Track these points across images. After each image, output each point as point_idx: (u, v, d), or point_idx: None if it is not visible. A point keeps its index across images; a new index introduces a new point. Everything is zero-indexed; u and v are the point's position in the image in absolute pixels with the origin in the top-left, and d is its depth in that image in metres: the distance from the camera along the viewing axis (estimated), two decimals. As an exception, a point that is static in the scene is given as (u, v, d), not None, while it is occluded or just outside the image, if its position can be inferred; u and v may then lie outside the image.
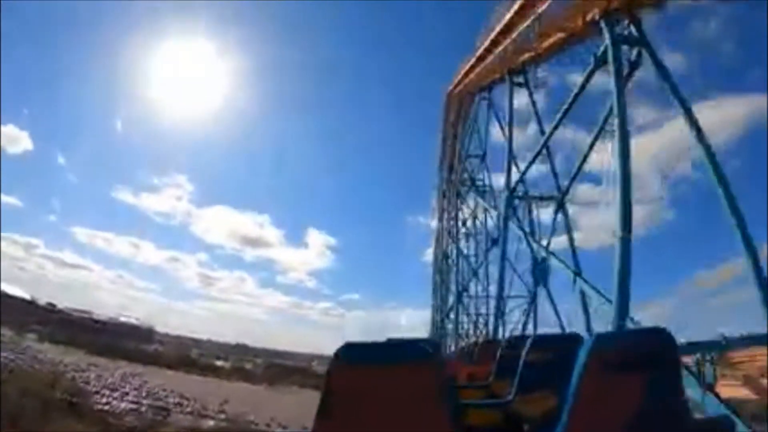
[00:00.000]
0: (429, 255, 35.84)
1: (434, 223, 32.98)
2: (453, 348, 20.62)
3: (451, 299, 22.13)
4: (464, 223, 22.12)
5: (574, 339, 2.03)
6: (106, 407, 14.57)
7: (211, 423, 13.59)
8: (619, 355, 1.26)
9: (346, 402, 1.18)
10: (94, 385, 18.67)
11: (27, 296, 42.07)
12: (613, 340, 1.44)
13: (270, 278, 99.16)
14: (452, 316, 21.93)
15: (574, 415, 1.22)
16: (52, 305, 44.94)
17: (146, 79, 74.96)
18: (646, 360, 1.27)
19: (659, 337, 1.34)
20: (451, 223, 22.13)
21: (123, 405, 15.05)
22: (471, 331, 21.20)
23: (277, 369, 27.75)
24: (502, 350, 3.06)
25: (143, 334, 44.00)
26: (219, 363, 28.67)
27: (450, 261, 22.49)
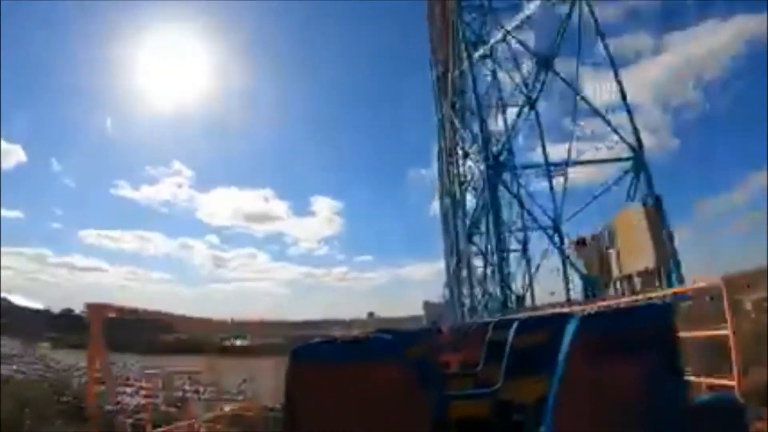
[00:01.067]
0: (436, 207, 34.56)
1: (435, 171, 31.31)
2: (479, 302, 19.04)
3: (462, 244, 19.96)
4: (476, 140, 19.32)
5: (564, 319, 1.87)
6: (117, 406, 13.47)
7: (228, 408, 12.51)
8: (610, 336, 1.15)
9: (311, 408, 1.07)
10: (107, 384, 17.94)
11: (40, 306, 42.01)
12: (603, 320, 1.28)
13: (281, 251, 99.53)
14: (469, 261, 19.96)
15: (562, 403, 1.13)
16: (69, 311, 45.03)
17: (130, 70, 71.91)
18: (642, 340, 1.15)
19: (656, 313, 1.24)
20: (456, 134, 19.31)
21: (136, 401, 14.06)
22: (497, 275, 18.86)
23: (298, 340, 27.35)
24: (491, 334, 2.96)
25: (163, 325, 44.08)
26: (239, 342, 28.19)
27: (462, 184, 19.69)
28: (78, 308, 45.95)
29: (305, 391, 1.11)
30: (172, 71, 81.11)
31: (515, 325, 2.32)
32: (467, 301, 20.96)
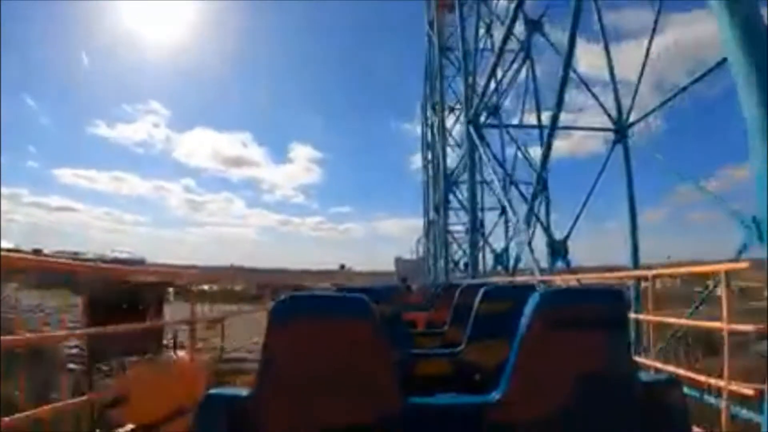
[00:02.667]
0: (418, 162, 33.94)
1: (419, 122, 30.39)
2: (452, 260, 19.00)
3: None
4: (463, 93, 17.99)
5: (528, 289, 2.14)
6: (73, 350, 13.34)
7: (182, 353, 12.49)
8: (566, 314, 1.26)
9: (287, 359, 1.19)
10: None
11: (10, 246, 41.08)
12: (561, 298, 1.39)
13: (257, 197, 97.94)
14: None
15: (516, 375, 1.24)
16: (38, 251, 44.21)
17: (110, 6, 65.53)
18: (595, 319, 1.27)
19: (609, 296, 1.36)
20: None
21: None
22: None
23: (268, 287, 27.53)
24: (458, 298, 3.14)
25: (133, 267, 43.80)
26: (207, 287, 28.10)
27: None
28: (52, 248, 45.45)
29: (283, 341, 1.21)
30: (156, 7, 75.03)
31: (482, 290, 2.44)
32: (441, 261, 20.89)
